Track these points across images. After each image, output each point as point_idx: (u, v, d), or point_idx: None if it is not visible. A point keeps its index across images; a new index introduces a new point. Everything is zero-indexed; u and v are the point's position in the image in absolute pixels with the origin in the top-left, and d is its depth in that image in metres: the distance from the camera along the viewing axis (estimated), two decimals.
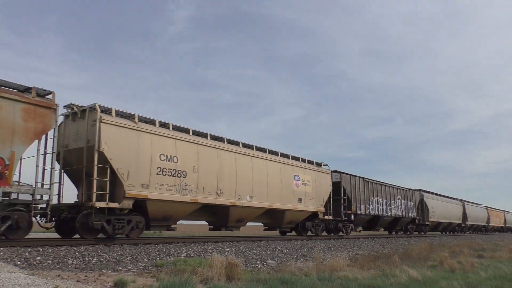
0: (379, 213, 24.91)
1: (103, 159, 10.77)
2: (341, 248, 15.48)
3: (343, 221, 21.83)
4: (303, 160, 19.20)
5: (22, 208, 9.52)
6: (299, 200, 18.29)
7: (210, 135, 14.61)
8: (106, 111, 11.42)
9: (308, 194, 18.84)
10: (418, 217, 30.91)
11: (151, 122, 12.68)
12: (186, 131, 13.73)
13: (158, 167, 12.06)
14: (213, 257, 7.19)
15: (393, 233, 30.16)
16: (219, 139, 15.01)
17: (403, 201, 28.60)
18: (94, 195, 10.55)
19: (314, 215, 19.49)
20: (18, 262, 7.40)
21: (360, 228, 25.56)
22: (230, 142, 15.41)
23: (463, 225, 41.47)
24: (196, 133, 14.10)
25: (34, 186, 9.88)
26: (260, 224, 18.46)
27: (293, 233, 20.27)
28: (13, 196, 9.73)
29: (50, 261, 7.77)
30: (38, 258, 7.86)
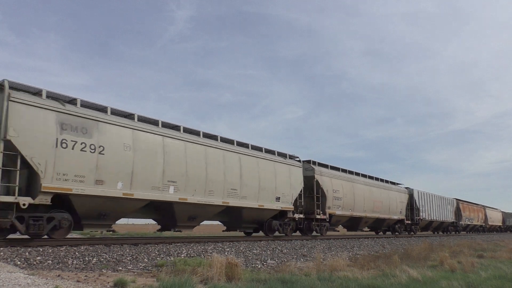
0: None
1: None
2: (341, 248, 15.48)
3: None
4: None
5: None
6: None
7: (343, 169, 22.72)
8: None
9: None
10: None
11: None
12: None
13: None
14: (213, 257, 7.19)
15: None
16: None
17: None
18: None
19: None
20: (18, 262, 7.40)
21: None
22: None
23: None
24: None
25: None
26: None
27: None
28: None
29: (50, 261, 7.77)
30: (38, 258, 7.86)
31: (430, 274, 8.43)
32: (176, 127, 13.12)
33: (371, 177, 25.28)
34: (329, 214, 19.56)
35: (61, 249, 9.04)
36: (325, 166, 20.71)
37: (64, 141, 9.57)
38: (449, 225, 38.20)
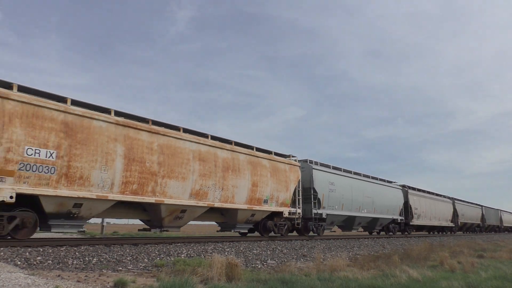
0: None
1: None
2: (341, 248, 15.48)
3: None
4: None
5: None
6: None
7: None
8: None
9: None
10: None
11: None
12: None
13: None
14: (213, 257, 7.19)
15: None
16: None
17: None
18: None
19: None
20: (19, 262, 7.40)
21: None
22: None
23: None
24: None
25: None
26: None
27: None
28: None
29: (50, 261, 7.77)
30: (39, 258, 7.86)
31: (430, 274, 8.44)
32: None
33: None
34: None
35: (61, 249, 9.05)
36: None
37: None
38: None
